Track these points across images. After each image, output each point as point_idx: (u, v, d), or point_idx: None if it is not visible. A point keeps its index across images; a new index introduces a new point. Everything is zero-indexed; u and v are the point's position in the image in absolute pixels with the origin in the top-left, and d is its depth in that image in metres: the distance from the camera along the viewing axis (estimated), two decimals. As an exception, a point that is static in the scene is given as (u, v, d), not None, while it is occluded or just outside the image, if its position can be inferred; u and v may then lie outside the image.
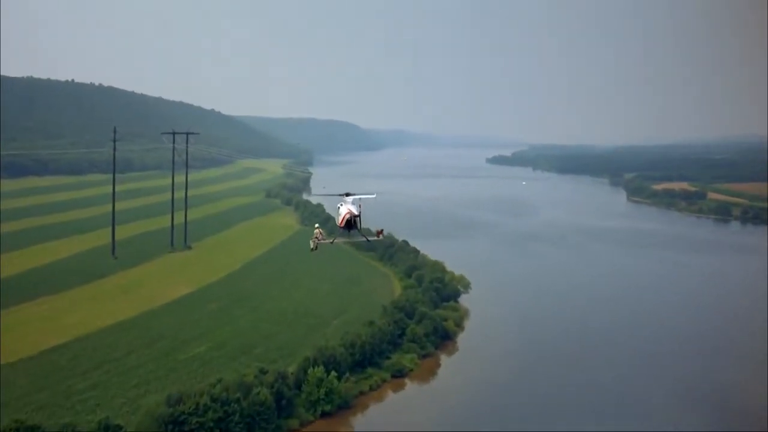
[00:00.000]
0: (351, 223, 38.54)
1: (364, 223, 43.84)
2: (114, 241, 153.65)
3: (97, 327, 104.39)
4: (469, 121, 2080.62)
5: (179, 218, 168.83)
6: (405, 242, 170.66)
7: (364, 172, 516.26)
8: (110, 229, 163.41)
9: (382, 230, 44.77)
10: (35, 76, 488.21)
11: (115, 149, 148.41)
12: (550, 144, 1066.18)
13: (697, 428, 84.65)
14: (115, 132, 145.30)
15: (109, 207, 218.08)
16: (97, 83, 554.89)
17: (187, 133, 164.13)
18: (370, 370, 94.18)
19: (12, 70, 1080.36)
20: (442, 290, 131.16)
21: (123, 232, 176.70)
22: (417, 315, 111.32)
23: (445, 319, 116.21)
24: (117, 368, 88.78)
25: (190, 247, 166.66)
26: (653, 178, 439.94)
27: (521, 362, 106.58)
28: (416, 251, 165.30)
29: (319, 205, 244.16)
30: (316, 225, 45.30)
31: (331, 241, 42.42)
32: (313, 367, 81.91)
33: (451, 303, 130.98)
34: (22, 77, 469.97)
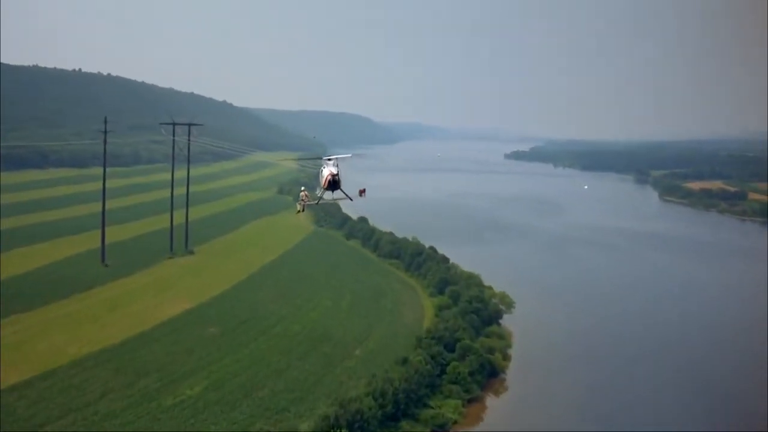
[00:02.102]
0: (333, 182, 40.23)
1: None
2: (104, 245, 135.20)
3: (72, 357, 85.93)
4: (482, 114, 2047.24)
5: (181, 218, 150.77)
6: (433, 249, 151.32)
7: (381, 166, 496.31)
8: (112, 227, 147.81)
9: (364, 189, 44.41)
10: (41, 65, 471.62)
11: (105, 141, 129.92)
12: (569, 139, 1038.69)
13: None
14: (105, 122, 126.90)
15: (110, 203, 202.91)
16: (105, 73, 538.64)
17: (189, 124, 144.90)
18: (404, 424, 74.48)
19: (17, 58, 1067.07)
20: (482, 311, 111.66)
21: (120, 233, 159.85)
22: (459, 348, 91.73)
23: (492, 351, 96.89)
24: (86, 418, 70.28)
25: (192, 252, 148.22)
26: (683, 176, 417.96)
27: (587, 405, 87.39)
28: (446, 259, 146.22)
29: (335, 204, 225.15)
30: (302, 188, 45.75)
31: (317, 201, 43.21)
32: (336, 430, 62.65)
33: (494, 327, 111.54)
34: (28, 66, 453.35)
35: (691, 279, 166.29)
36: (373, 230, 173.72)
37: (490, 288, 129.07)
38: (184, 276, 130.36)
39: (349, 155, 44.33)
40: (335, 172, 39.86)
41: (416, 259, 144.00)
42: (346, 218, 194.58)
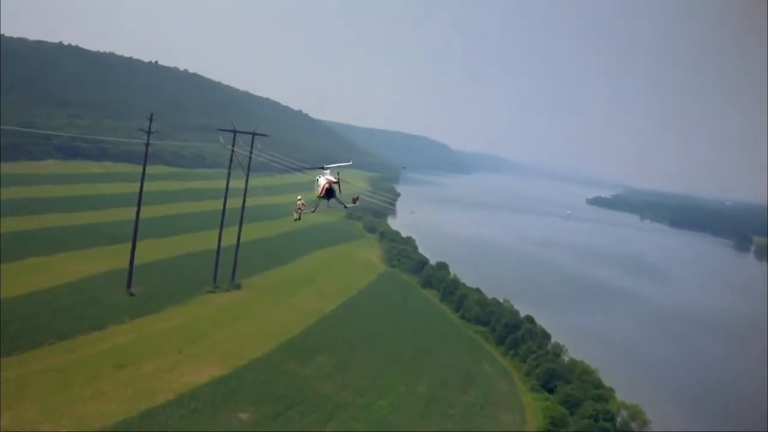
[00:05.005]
0: (329, 190, 36.37)
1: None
2: (132, 267, 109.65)
3: (39, 446, 59.83)
4: (562, 154, 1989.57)
5: (233, 237, 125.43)
6: (530, 320, 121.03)
7: (457, 196, 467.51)
8: (151, 240, 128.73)
9: (357, 197, 40.36)
10: (117, 53, 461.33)
11: (148, 143, 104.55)
12: (653, 189, 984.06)
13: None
14: (151, 119, 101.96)
15: (159, 209, 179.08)
16: (182, 68, 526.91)
17: (253, 133, 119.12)
18: None
19: (95, 44, 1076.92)
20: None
21: (159, 249, 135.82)
22: None
23: None
24: None
25: (238, 287, 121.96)
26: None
27: None
28: (547, 335, 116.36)
29: (410, 239, 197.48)
30: (299, 197, 41.86)
31: (313, 210, 38.77)
32: None
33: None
34: (104, 52, 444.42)
35: None
36: (455, 283, 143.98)
37: (611, 390, 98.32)
38: (222, 321, 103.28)
39: (349, 163, 39.74)
40: (334, 180, 35.70)
41: (513, 333, 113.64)
42: (423, 261, 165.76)
